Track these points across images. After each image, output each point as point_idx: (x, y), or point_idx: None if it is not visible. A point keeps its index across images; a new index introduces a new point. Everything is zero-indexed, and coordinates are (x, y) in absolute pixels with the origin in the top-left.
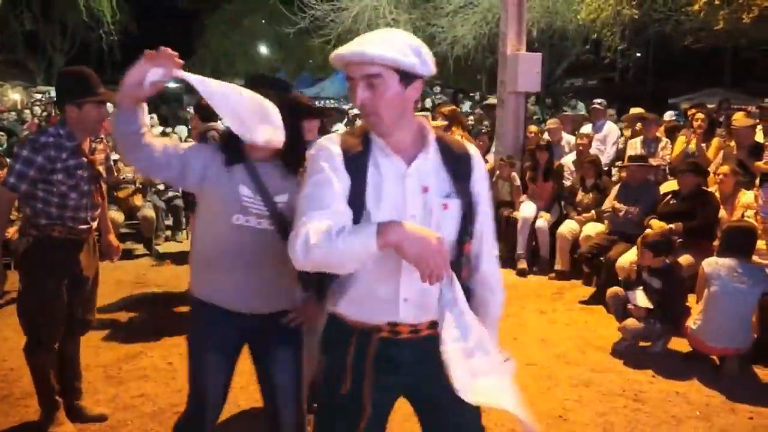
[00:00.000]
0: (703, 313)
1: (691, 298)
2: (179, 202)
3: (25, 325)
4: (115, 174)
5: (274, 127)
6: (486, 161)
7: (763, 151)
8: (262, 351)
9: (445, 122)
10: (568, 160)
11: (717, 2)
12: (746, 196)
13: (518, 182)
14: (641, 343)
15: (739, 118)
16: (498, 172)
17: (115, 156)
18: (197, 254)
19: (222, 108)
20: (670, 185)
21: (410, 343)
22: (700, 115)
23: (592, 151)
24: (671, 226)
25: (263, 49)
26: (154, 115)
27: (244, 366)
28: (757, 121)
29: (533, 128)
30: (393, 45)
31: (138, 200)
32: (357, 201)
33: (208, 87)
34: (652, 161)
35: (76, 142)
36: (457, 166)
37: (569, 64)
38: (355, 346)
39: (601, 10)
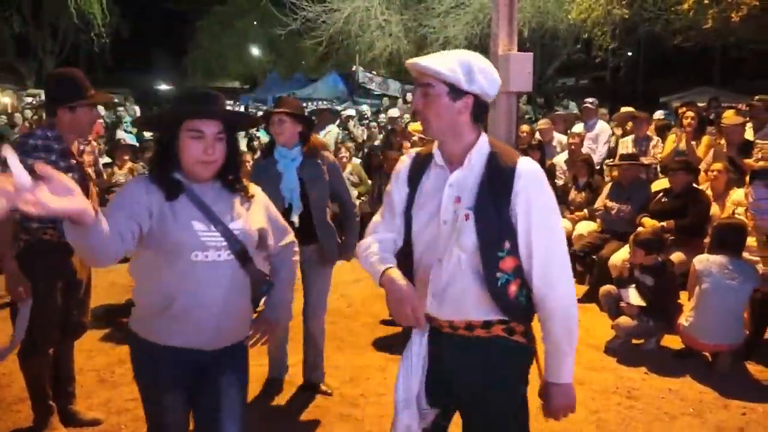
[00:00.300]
0: (695, 310)
1: (683, 296)
2: None
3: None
4: (105, 177)
5: None
6: None
7: (753, 149)
8: (212, 383)
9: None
10: (560, 159)
11: (706, 1)
12: (736, 194)
13: None
14: (634, 341)
15: (728, 116)
16: None
17: (106, 159)
18: (148, 299)
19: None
20: (661, 183)
21: (450, 338)
22: (689, 114)
23: (584, 150)
24: (663, 224)
25: (255, 51)
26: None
27: None
28: (747, 119)
29: (525, 128)
30: (444, 60)
31: None
32: (409, 207)
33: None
34: (644, 160)
35: (65, 145)
36: (497, 181)
37: (561, 63)
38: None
39: (592, 10)
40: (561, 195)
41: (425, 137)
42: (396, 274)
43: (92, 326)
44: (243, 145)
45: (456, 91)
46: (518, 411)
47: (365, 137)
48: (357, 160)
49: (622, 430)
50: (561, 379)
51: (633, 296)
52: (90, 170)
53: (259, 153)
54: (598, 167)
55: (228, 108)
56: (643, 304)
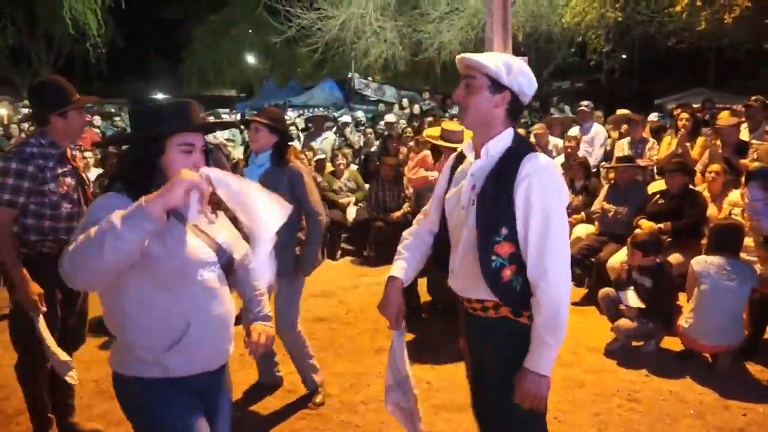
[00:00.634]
0: (694, 312)
1: (682, 297)
2: None
3: (18, 344)
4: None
5: (277, 209)
6: None
7: (748, 149)
8: (212, 403)
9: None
10: (556, 162)
11: (699, 3)
12: (733, 195)
13: None
14: (634, 343)
15: (724, 117)
16: None
17: (99, 171)
18: (154, 334)
19: (248, 213)
20: (657, 185)
21: (469, 316)
22: (684, 115)
23: (580, 153)
24: (660, 225)
25: (251, 59)
26: None
27: None
28: (743, 119)
29: (519, 131)
30: (489, 57)
31: None
32: (445, 194)
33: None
34: (640, 162)
35: (61, 150)
36: (505, 170)
37: (555, 67)
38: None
39: (585, 13)
40: None
41: (440, 143)
42: (390, 284)
43: (91, 337)
44: (240, 152)
45: (496, 85)
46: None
47: (362, 143)
48: (354, 167)
49: None
50: (537, 368)
51: (632, 298)
52: (84, 175)
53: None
54: (594, 170)
55: (209, 119)
56: (642, 306)
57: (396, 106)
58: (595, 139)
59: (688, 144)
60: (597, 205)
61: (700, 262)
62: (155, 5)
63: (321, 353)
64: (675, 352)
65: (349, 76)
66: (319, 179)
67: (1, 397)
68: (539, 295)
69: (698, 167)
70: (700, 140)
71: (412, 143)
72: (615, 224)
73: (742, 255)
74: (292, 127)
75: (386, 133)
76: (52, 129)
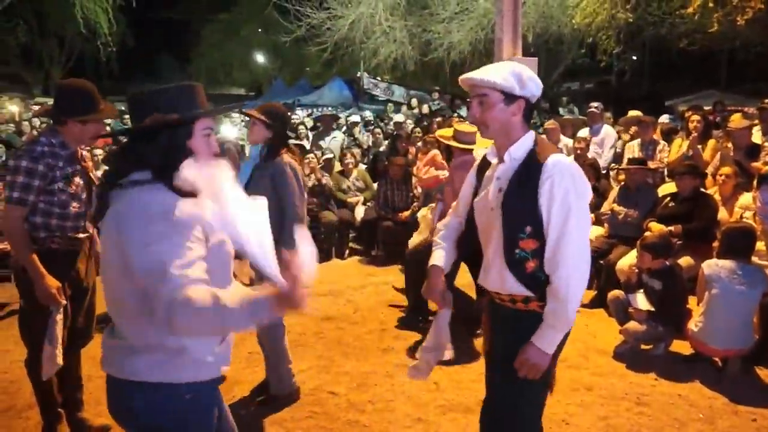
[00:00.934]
0: (704, 315)
1: (692, 300)
2: None
3: (27, 339)
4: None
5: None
6: None
7: (760, 152)
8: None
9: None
10: None
11: (711, 4)
12: (744, 198)
13: None
14: (643, 346)
15: (736, 120)
16: None
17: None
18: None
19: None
20: (668, 188)
21: (498, 308)
22: (695, 117)
23: (590, 154)
24: (670, 228)
25: (260, 58)
26: None
27: None
28: (755, 122)
29: None
30: (497, 71)
31: None
32: (474, 196)
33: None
34: (650, 164)
35: (71, 150)
36: (528, 173)
37: (565, 68)
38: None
39: (596, 14)
40: None
41: (452, 143)
42: (433, 271)
43: (98, 333)
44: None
45: (510, 97)
46: (548, 375)
47: (371, 143)
48: (363, 166)
49: None
50: (541, 344)
51: (641, 301)
52: (93, 175)
53: None
54: (604, 172)
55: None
56: (652, 309)
57: (404, 106)
58: (605, 141)
59: (699, 146)
60: (607, 206)
61: (711, 266)
62: (165, 4)
63: (328, 352)
64: (684, 355)
65: (358, 75)
66: (327, 179)
67: (11, 391)
68: (552, 285)
69: (709, 170)
70: (711, 143)
71: (420, 143)
72: (625, 227)
73: (754, 259)
74: (301, 127)
75: (395, 132)
76: (66, 131)
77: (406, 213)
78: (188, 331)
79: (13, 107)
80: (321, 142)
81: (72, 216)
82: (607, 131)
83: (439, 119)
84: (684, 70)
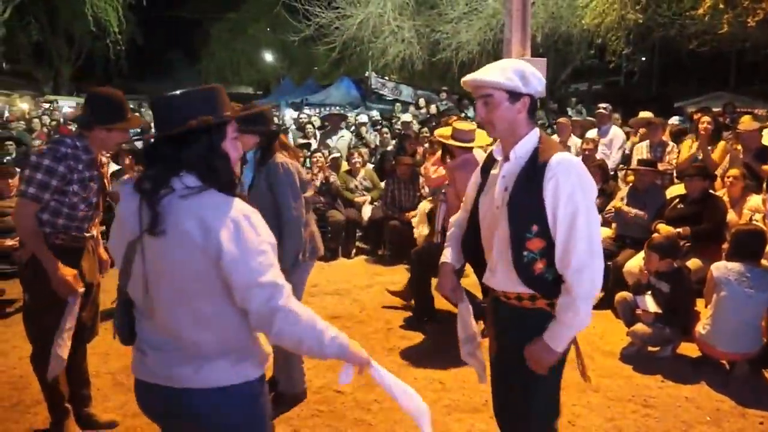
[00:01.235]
0: (712, 318)
1: (700, 303)
2: None
3: (33, 335)
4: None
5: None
6: None
7: None
8: None
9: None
10: None
11: (721, 6)
12: (753, 200)
13: None
14: (650, 348)
15: (745, 122)
16: None
17: (114, 167)
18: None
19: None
20: (676, 189)
21: (504, 306)
22: (705, 119)
23: (598, 155)
24: (679, 230)
25: (268, 57)
26: None
27: None
28: (765, 124)
29: None
30: (500, 71)
31: None
32: (479, 194)
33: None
34: (660, 166)
35: (92, 155)
36: (533, 171)
37: (574, 68)
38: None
39: (606, 15)
40: None
41: (451, 142)
42: (443, 268)
43: (107, 330)
44: None
45: (514, 95)
46: (550, 376)
47: (378, 143)
48: (370, 166)
49: None
50: (550, 341)
51: (650, 303)
52: (106, 181)
53: None
54: (612, 173)
55: None
56: (659, 311)
57: (412, 106)
58: (613, 142)
59: (708, 148)
60: (612, 204)
61: (720, 268)
62: (174, 3)
63: None
64: (692, 358)
65: (366, 75)
66: (334, 177)
67: (20, 387)
68: (565, 284)
69: (718, 172)
70: (721, 144)
71: (427, 144)
72: (633, 228)
73: (763, 262)
74: (309, 126)
75: (402, 132)
76: (92, 136)
77: (413, 213)
78: (282, 339)
79: (24, 105)
80: (328, 141)
81: (79, 218)
82: (616, 132)
83: (446, 119)
84: (693, 71)
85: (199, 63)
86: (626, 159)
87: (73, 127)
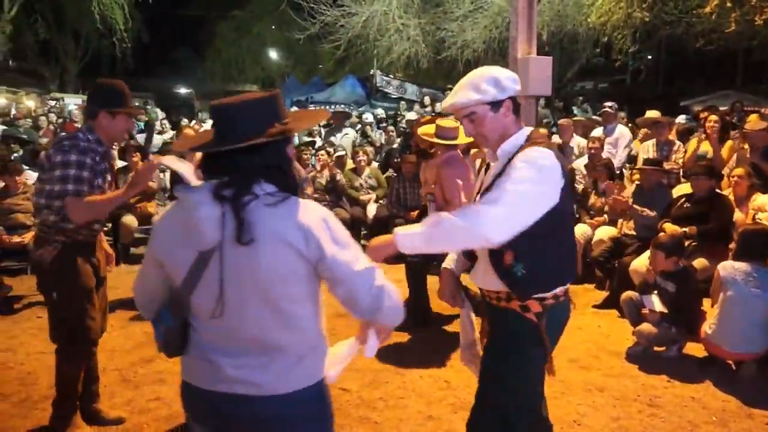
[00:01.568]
0: (718, 318)
1: (706, 302)
2: None
3: (65, 333)
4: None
5: None
6: None
7: None
8: None
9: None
10: (579, 163)
11: (729, 4)
12: (759, 199)
13: None
14: (656, 348)
15: (752, 121)
16: None
17: (121, 163)
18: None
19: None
20: (683, 188)
21: (488, 305)
22: (713, 118)
23: (604, 154)
24: (685, 229)
25: (273, 55)
26: (165, 122)
27: None
28: None
29: (542, 131)
30: (474, 88)
31: (152, 207)
32: (478, 193)
33: None
34: (666, 165)
35: (105, 147)
36: (508, 168)
37: (579, 67)
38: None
39: (612, 13)
40: (581, 199)
41: (435, 140)
42: (443, 274)
43: (114, 326)
44: None
45: (495, 104)
46: (525, 378)
47: (383, 141)
48: (375, 164)
49: None
50: (399, 230)
51: (657, 303)
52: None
53: None
54: (618, 172)
55: None
56: (665, 311)
57: (417, 104)
58: (619, 141)
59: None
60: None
61: (727, 268)
62: (180, 1)
63: None
64: (698, 358)
65: (371, 73)
66: (340, 175)
67: (28, 382)
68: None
69: (725, 171)
70: (728, 143)
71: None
72: (639, 227)
73: None
74: None
75: (407, 130)
76: (98, 125)
77: (418, 211)
78: (387, 316)
79: (30, 102)
80: (332, 139)
81: None
82: (621, 131)
83: (419, 119)
84: (699, 70)
85: (204, 61)
86: (632, 158)
87: (79, 124)
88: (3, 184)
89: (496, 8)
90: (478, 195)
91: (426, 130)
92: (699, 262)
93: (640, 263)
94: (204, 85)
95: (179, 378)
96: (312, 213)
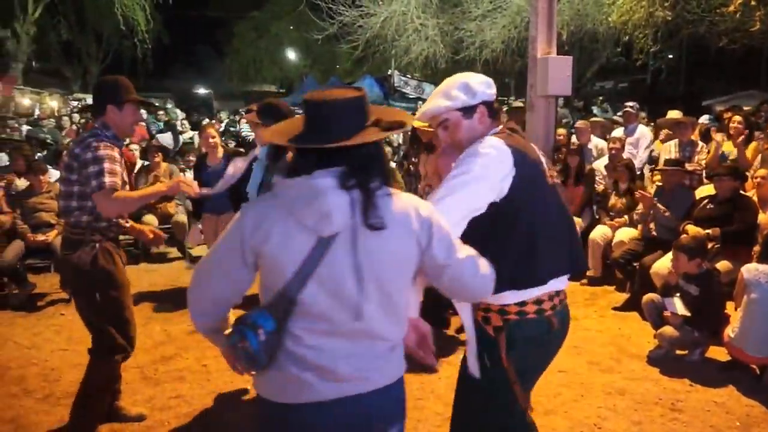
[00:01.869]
0: (741, 321)
1: (729, 305)
2: None
3: (109, 333)
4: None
5: None
6: None
7: None
8: None
9: None
10: (600, 164)
11: (753, 2)
12: None
13: None
14: (678, 351)
15: None
16: None
17: (141, 163)
18: None
19: None
20: (706, 189)
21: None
22: (737, 118)
23: (624, 155)
24: (708, 231)
25: (291, 55)
26: (186, 122)
27: None
28: None
29: (561, 131)
30: (444, 95)
31: (171, 207)
32: None
33: None
34: (688, 166)
35: (121, 142)
36: None
37: (600, 66)
38: None
39: (633, 12)
40: (601, 200)
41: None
42: None
43: (136, 325)
44: None
45: (467, 110)
46: (495, 392)
47: (401, 141)
48: (393, 164)
49: None
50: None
51: (679, 306)
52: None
53: None
54: (639, 172)
55: None
56: (688, 313)
57: None
58: (640, 141)
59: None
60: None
61: (751, 270)
62: (200, 2)
63: None
64: (721, 362)
65: (389, 73)
66: None
67: (51, 379)
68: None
69: (749, 172)
70: (753, 144)
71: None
72: (660, 228)
73: None
74: None
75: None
76: (108, 120)
77: None
78: (489, 292)
79: (54, 103)
80: None
81: None
82: (642, 131)
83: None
84: (722, 69)
85: (223, 61)
86: (653, 158)
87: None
88: (28, 183)
89: (515, 8)
90: None
91: (419, 124)
92: (722, 265)
93: (662, 265)
94: (222, 85)
95: (198, 376)
96: (425, 204)
